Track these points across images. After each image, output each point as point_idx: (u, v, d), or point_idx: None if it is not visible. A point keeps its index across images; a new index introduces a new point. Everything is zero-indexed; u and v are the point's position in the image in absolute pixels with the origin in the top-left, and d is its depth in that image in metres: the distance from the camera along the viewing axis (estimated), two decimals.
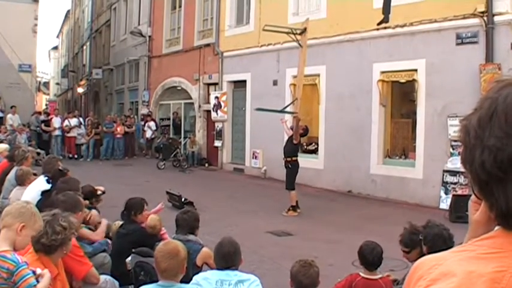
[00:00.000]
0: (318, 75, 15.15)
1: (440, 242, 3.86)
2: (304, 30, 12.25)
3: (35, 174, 7.36)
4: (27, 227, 3.27)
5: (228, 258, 4.11)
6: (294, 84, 12.80)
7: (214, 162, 20.16)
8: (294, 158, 11.66)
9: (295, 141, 11.62)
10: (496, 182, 0.98)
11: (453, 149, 11.94)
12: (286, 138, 12.09)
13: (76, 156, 21.83)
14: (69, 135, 21.89)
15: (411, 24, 12.87)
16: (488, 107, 1.01)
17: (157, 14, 24.33)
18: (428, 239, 3.93)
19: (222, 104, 19.26)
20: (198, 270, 4.70)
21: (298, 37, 12.40)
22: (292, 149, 11.69)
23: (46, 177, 6.27)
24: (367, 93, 13.82)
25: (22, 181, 6.79)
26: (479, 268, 0.96)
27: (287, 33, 12.77)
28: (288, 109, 12.58)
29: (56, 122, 22.06)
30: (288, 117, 13.05)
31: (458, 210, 10.62)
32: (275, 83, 16.73)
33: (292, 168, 11.64)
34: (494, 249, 0.99)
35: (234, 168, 18.92)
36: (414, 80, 12.80)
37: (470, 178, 1.06)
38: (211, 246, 4.41)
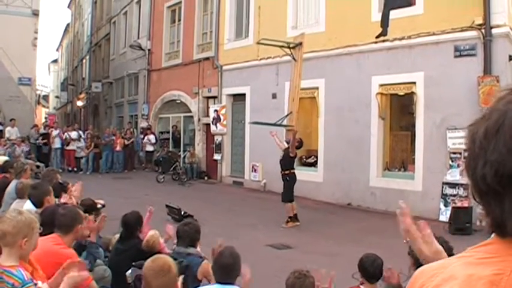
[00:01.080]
0: (317, 88, 15.21)
1: None
2: (299, 44, 12.35)
3: None
4: (30, 238, 3.24)
5: (225, 269, 4.02)
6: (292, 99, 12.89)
7: (213, 175, 20.15)
8: (291, 171, 11.78)
9: (291, 154, 11.72)
10: (493, 194, 1.01)
11: (452, 161, 11.96)
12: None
13: (75, 169, 21.84)
14: (68, 148, 21.93)
15: (409, 37, 12.96)
16: (496, 119, 1.02)
17: (156, 27, 24.45)
18: None
19: (222, 117, 19.30)
20: (198, 283, 4.66)
21: (293, 51, 12.49)
22: (289, 162, 11.81)
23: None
24: (366, 106, 13.86)
25: (22, 194, 6.69)
26: (478, 271, 1.00)
27: (281, 46, 12.85)
28: (284, 122, 12.61)
29: (55, 134, 22.07)
30: (281, 130, 13.08)
31: (458, 222, 10.65)
32: (274, 96, 16.77)
33: (290, 180, 11.76)
34: (491, 254, 1.04)
35: (234, 181, 18.91)
36: (413, 93, 12.84)
37: (470, 184, 1.09)
38: (210, 260, 4.38)
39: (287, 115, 12.42)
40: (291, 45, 12.59)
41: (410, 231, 1.63)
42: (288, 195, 11.72)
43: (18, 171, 8.23)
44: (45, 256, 3.77)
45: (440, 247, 1.62)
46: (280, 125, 12.55)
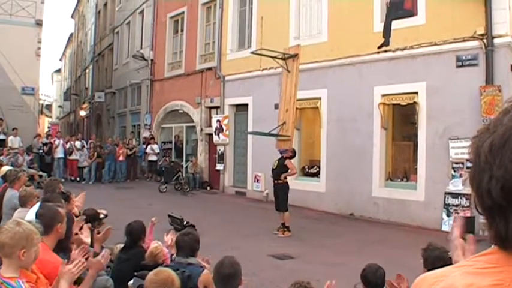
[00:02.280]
0: (320, 98, 15.23)
1: (441, 264, 3.82)
2: (294, 56, 12.40)
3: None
4: (28, 249, 3.21)
5: (226, 280, 4.04)
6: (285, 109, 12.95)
7: (216, 185, 20.14)
8: (285, 180, 11.97)
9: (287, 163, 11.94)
10: (498, 209, 1.01)
11: (454, 171, 11.94)
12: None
13: (78, 179, 21.88)
14: (71, 158, 21.95)
15: (411, 47, 12.98)
16: (502, 134, 1.01)
17: (159, 38, 24.55)
18: (429, 262, 3.92)
19: (224, 127, 19.32)
20: None
21: (287, 62, 12.57)
22: (282, 172, 11.97)
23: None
24: (368, 116, 13.86)
25: (24, 202, 6.58)
26: (477, 281, 1.00)
27: (273, 57, 12.89)
28: (280, 132, 12.64)
29: (58, 143, 22.11)
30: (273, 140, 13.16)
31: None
32: (276, 106, 16.68)
33: (285, 189, 11.92)
34: (491, 264, 1.04)
35: (236, 191, 18.89)
36: (415, 103, 12.84)
37: (475, 197, 1.08)
38: (212, 270, 4.38)
39: (280, 125, 12.49)
40: (286, 56, 12.66)
41: (456, 242, 1.66)
42: (285, 205, 11.83)
43: (11, 179, 8.15)
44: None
45: None
46: (276, 135, 12.59)
